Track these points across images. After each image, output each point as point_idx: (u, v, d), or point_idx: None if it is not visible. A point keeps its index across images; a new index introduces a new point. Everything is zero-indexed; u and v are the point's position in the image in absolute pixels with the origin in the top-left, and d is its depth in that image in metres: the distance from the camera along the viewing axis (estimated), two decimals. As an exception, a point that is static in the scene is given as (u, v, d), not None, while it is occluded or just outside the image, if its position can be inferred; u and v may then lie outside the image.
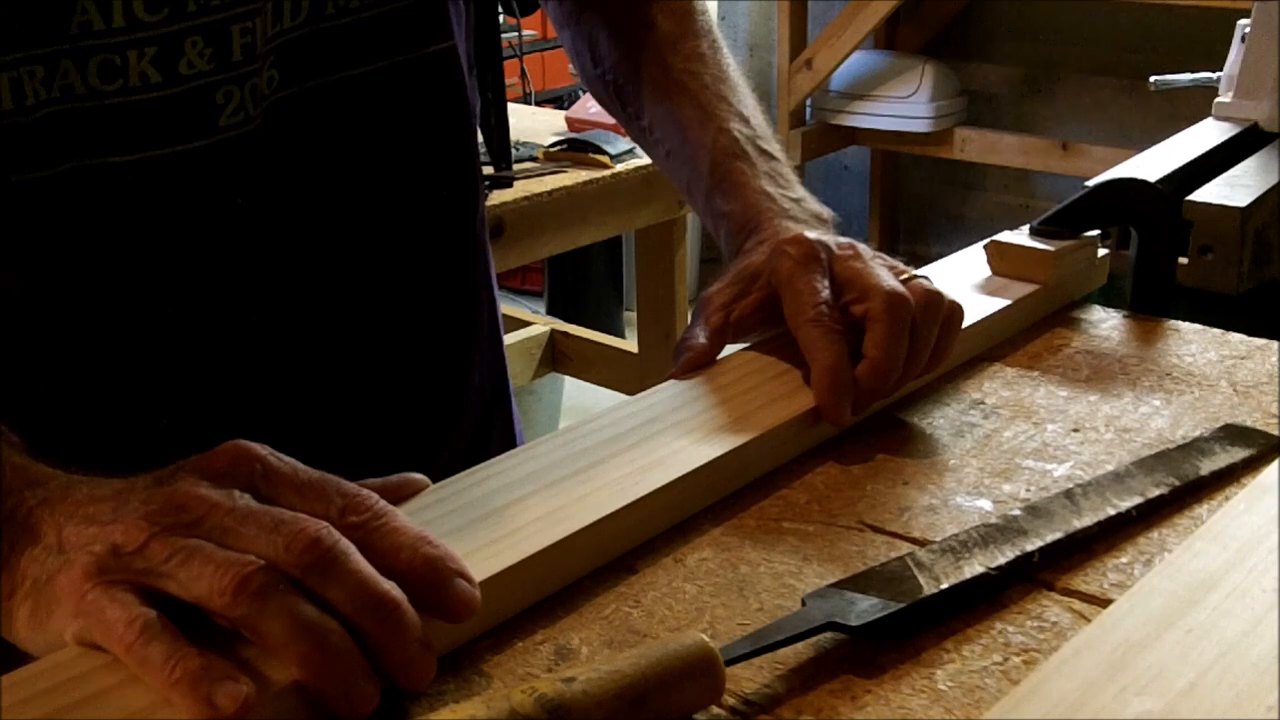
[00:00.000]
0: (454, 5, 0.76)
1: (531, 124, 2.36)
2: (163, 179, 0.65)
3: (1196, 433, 0.71)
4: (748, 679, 0.51)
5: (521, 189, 2.00)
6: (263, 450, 0.53)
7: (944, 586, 0.55)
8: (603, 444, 0.65)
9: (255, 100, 0.67)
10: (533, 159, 2.14)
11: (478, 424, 0.85)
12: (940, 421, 0.73)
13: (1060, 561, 0.59)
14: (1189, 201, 0.96)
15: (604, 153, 2.12)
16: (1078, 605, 0.56)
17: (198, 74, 0.64)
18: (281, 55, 0.68)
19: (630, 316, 3.04)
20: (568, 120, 2.35)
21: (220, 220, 0.68)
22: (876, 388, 0.68)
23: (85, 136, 0.63)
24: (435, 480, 0.62)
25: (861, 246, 0.74)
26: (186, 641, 0.47)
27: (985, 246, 0.87)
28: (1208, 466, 0.66)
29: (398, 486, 0.59)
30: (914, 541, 0.61)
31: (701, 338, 0.74)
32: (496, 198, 1.95)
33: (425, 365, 0.81)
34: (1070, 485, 0.65)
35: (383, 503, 0.52)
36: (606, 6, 0.89)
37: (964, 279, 0.85)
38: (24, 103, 0.61)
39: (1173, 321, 0.86)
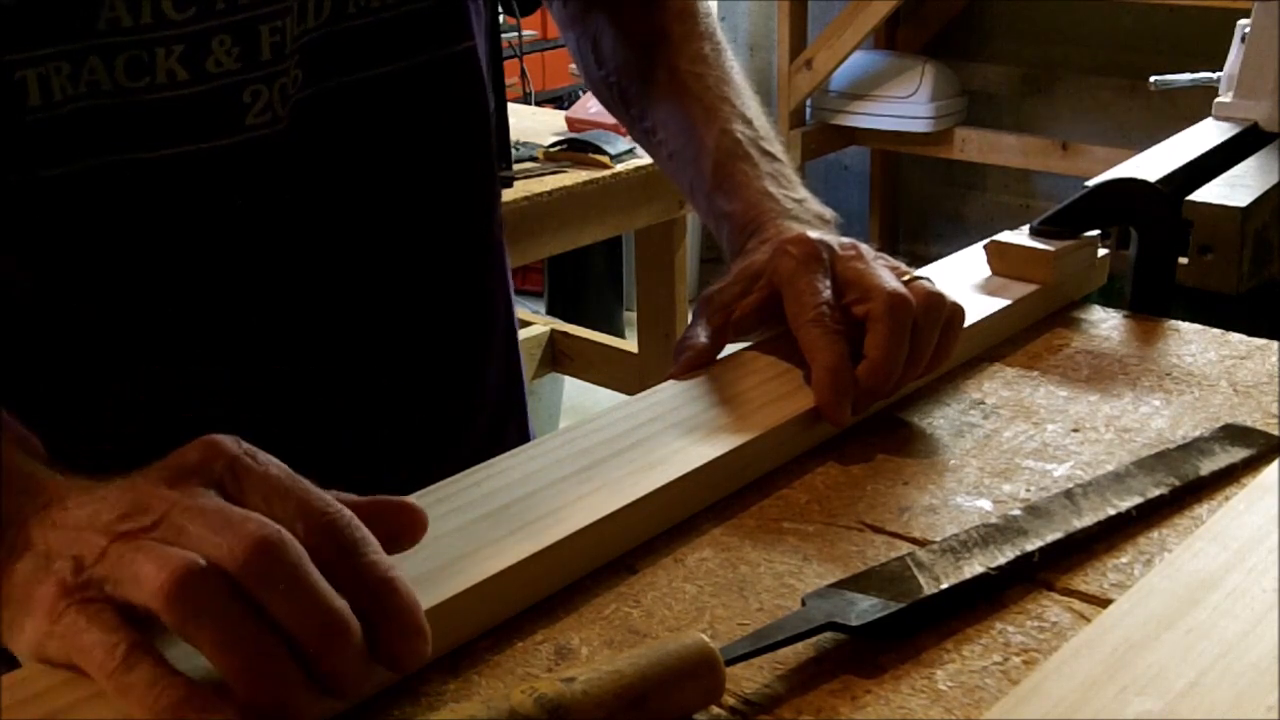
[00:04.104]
0: (473, 5, 0.77)
1: (531, 124, 2.36)
2: (187, 177, 0.66)
3: (1196, 433, 0.71)
4: (748, 679, 0.51)
5: (521, 189, 2.00)
6: (235, 447, 0.50)
7: (944, 586, 0.55)
8: (603, 444, 0.65)
9: (283, 100, 0.67)
10: (533, 159, 2.14)
11: (492, 422, 0.85)
12: (940, 421, 0.73)
13: (1060, 561, 0.59)
14: (1189, 201, 0.96)
15: (604, 153, 2.12)
16: (1078, 605, 0.56)
17: (225, 72, 0.65)
18: (304, 55, 0.68)
19: (630, 316, 3.04)
20: (568, 120, 2.35)
21: (238, 219, 0.68)
22: (876, 388, 0.69)
23: (111, 133, 0.63)
24: (448, 477, 0.62)
25: (864, 247, 0.74)
26: (169, 667, 0.45)
27: (985, 246, 0.87)
28: (1208, 466, 0.66)
29: (395, 511, 0.51)
30: (914, 541, 0.61)
31: (702, 337, 0.74)
32: (496, 197, 1.95)
33: (442, 363, 0.81)
34: (1070, 485, 0.65)
35: (359, 530, 0.48)
36: (611, 8, 0.89)
37: (964, 279, 0.85)
38: (51, 99, 0.61)
39: (1173, 321, 0.86)
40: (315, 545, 0.46)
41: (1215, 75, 1.33)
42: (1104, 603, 0.56)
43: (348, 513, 0.48)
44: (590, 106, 2.31)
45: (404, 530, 0.51)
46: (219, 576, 0.45)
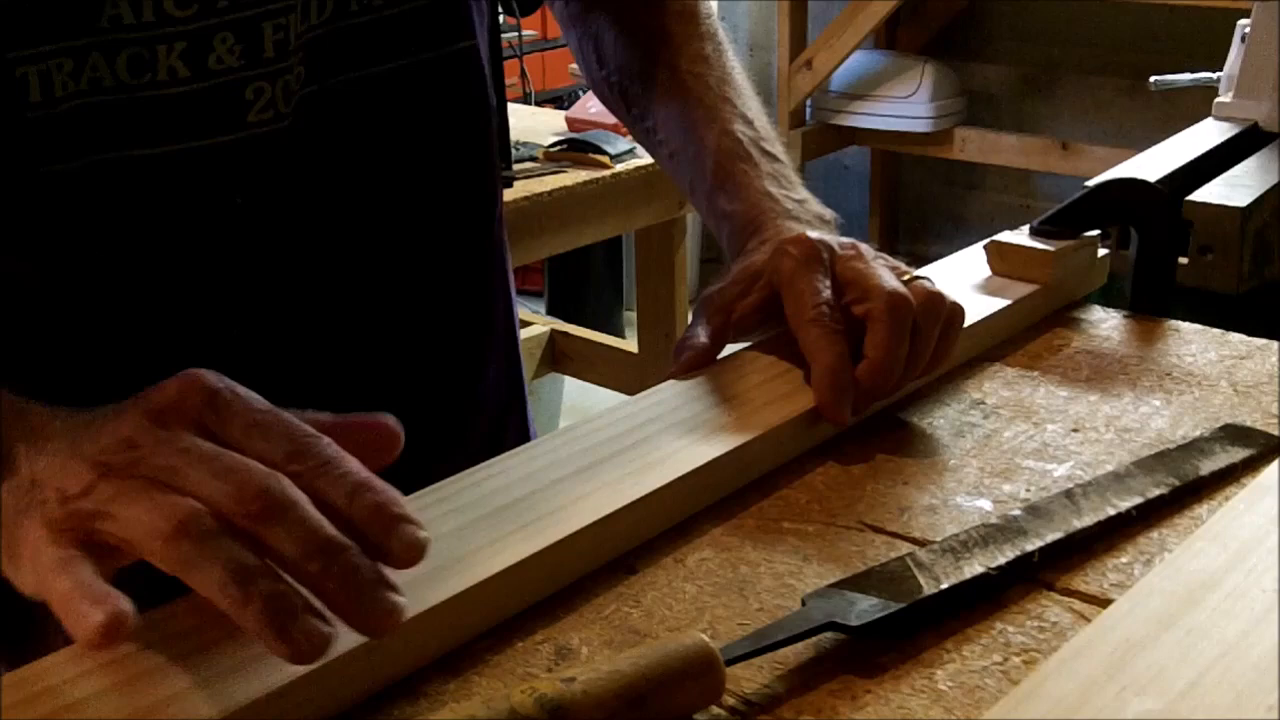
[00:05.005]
0: (475, 3, 0.77)
1: (531, 124, 2.36)
2: (188, 173, 0.66)
3: (1196, 433, 0.71)
4: (748, 679, 0.51)
5: (521, 189, 2.00)
6: (216, 382, 0.51)
7: (944, 586, 0.55)
8: (603, 444, 0.65)
9: (287, 97, 0.67)
10: (533, 159, 2.14)
11: (493, 422, 0.85)
12: (940, 421, 0.73)
13: (1060, 561, 0.59)
14: (1189, 201, 0.96)
15: (604, 153, 2.12)
16: (1078, 605, 0.56)
17: (227, 70, 0.65)
18: (308, 52, 0.68)
19: (630, 316, 3.04)
20: (568, 120, 2.35)
21: (240, 216, 0.69)
22: (876, 388, 0.69)
23: (113, 129, 0.63)
24: (448, 477, 0.62)
25: (864, 247, 0.74)
26: (99, 580, 0.46)
27: (985, 246, 0.87)
28: (1208, 466, 0.66)
29: (367, 429, 0.53)
30: (914, 541, 0.61)
31: (702, 337, 0.74)
32: (496, 197, 1.95)
33: (442, 363, 0.81)
34: (1070, 485, 0.65)
35: (332, 448, 0.50)
36: (613, 8, 0.89)
37: (964, 279, 0.85)
38: (52, 96, 0.61)
39: (1173, 321, 0.86)
40: (297, 470, 0.48)
41: (1215, 75, 1.33)
42: (1104, 603, 0.56)
43: (325, 439, 0.50)
44: (590, 106, 2.31)
45: (378, 444, 0.53)
46: (219, 520, 0.47)
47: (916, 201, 4.08)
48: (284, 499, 0.47)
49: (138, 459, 0.49)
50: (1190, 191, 0.98)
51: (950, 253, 0.91)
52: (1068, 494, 0.63)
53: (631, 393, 0.86)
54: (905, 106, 3.58)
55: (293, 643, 0.45)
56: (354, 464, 0.50)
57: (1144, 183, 0.90)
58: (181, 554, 0.46)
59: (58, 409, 0.54)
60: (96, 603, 0.45)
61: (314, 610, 0.46)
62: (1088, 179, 0.93)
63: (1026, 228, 0.88)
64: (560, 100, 3.46)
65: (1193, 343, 0.83)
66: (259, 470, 0.48)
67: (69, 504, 0.48)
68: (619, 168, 2.12)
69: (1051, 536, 0.60)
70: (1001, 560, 0.58)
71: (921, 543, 0.61)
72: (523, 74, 2.77)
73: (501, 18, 2.41)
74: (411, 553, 0.49)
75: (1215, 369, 0.79)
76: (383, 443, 0.54)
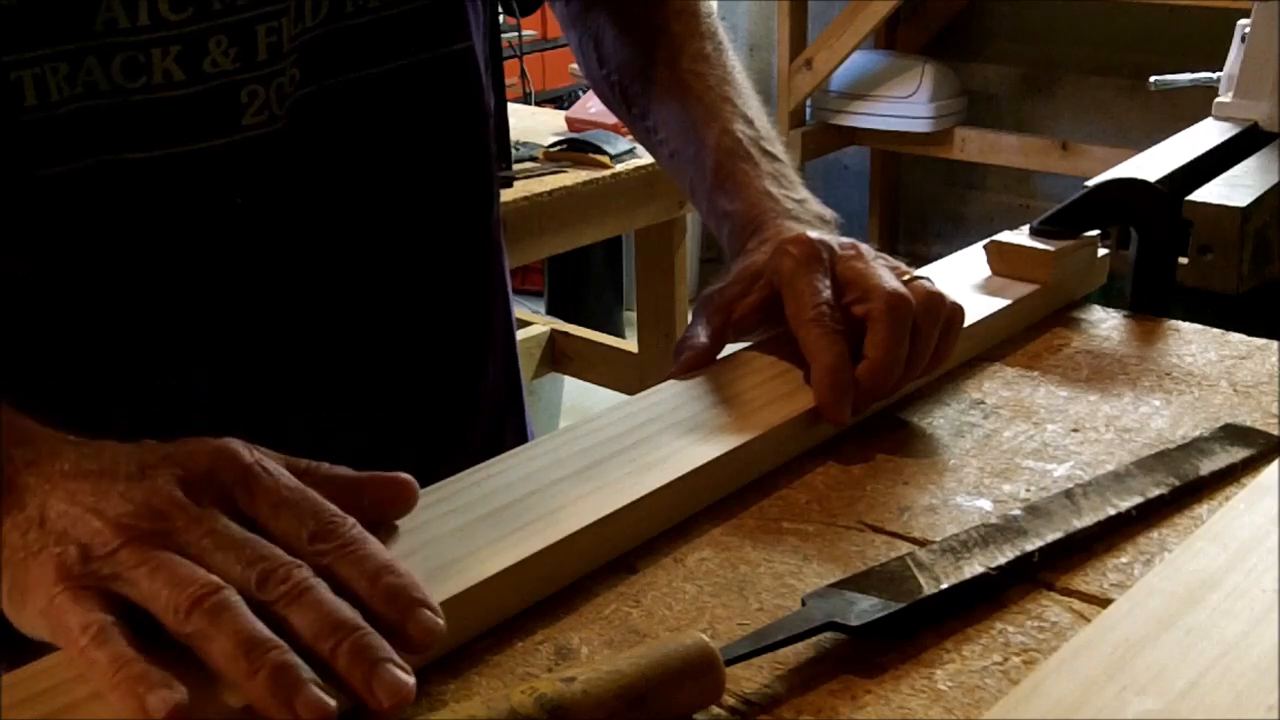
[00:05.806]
0: (472, 5, 0.77)
1: (531, 124, 2.36)
2: (184, 176, 0.66)
3: (1196, 433, 0.71)
4: (748, 679, 0.51)
5: (521, 189, 2.00)
6: (248, 457, 0.52)
7: (944, 586, 0.55)
8: (603, 444, 0.65)
9: (280, 100, 0.67)
10: (533, 159, 2.14)
11: (491, 424, 0.85)
12: (940, 421, 0.73)
13: (1060, 561, 0.59)
14: (1189, 201, 0.96)
15: (604, 153, 2.12)
16: (1078, 605, 0.56)
17: (222, 72, 0.65)
18: (302, 54, 0.68)
19: (630, 316, 3.04)
20: (568, 120, 2.35)
21: (237, 218, 0.69)
22: (877, 388, 0.68)
23: (108, 133, 0.63)
24: (448, 477, 0.62)
25: (864, 247, 0.74)
26: (134, 649, 0.46)
27: (985, 246, 0.87)
28: (1208, 466, 0.66)
29: (385, 485, 0.56)
30: (914, 541, 0.61)
31: (702, 337, 0.74)
32: (496, 197, 1.95)
33: (441, 364, 0.81)
34: (1070, 485, 0.65)
35: (355, 529, 0.51)
36: (613, 7, 0.89)
37: (964, 279, 0.85)
38: (48, 99, 0.62)
39: (1173, 321, 0.86)
40: (321, 550, 0.50)
41: (1215, 75, 1.33)
42: (1104, 603, 0.56)
43: (350, 519, 0.52)
44: (590, 106, 2.31)
45: (395, 499, 0.56)
46: (237, 596, 0.47)
47: (916, 201, 4.08)
48: (303, 585, 0.48)
49: (166, 531, 0.49)
50: (1190, 191, 0.98)
51: (950, 253, 0.91)
52: (1068, 494, 0.63)
53: (631, 393, 0.86)
54: (905, 106, 3.58)
55: (294, 714, 0.45)
56: (375, 546, 0.51)
57: (1144, 183, 0.90)
58: (195, 628, 0.46)
59: (67, 436, 0.54)
60: (152, 688, 0.45)
61: (318, 683, 0.46)
62: (1088, 179, 0.93)
63: (1026, 228, 0.88)
64: (560, 100, 3.46)
65: (1193, 343, 0.83)
66: (283, 559, 0.49)
67: (91, 563, 0.48)
68: (619, 168, 2.12)
69: (1051, 536, 0.60)
70: (1001, 560, 0.58)
71: (921, 543, 0.61)
72: (523, 74, 2.77)
73: (501, 18, 2.41)
74: (427, 637, 0.49)
75: (1215, 369, 0.79)
76: (399, 498, 0.57)
